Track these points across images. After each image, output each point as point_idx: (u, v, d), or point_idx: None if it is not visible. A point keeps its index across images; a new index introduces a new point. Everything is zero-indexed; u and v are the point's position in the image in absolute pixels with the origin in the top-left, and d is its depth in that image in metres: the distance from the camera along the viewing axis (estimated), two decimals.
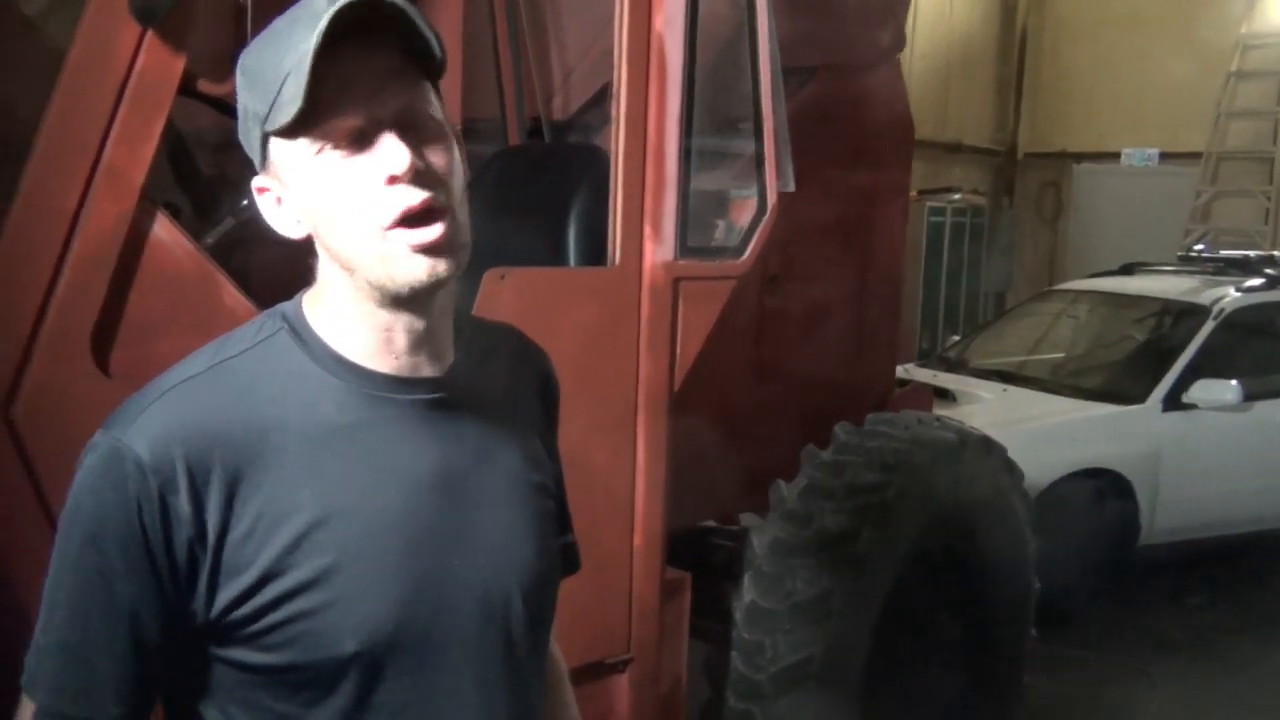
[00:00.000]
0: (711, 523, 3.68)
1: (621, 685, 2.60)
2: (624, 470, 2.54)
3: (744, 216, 2.70)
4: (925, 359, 7.31)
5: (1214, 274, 6.68)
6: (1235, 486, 5.78)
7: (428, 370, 1.15)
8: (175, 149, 2.13)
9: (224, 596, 1.06)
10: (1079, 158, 11.55)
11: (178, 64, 1.74)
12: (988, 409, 5.44)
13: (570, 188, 2.65)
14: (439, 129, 1.10)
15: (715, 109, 2.63)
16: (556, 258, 2.64)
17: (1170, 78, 10.34)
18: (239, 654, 1.09)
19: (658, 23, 2.44)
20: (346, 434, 1.11)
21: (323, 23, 1.00)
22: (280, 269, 2.13)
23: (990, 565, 3.60)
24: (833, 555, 3.08)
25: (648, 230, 2.48)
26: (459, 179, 1.11)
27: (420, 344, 1.14)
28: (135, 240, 1.76)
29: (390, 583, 1.11)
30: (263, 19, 2.22)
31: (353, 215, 1.06)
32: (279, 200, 1.12)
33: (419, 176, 1.06)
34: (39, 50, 2.06)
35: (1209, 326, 5.97)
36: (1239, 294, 6.21)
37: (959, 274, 10.66)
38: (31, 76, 1.83)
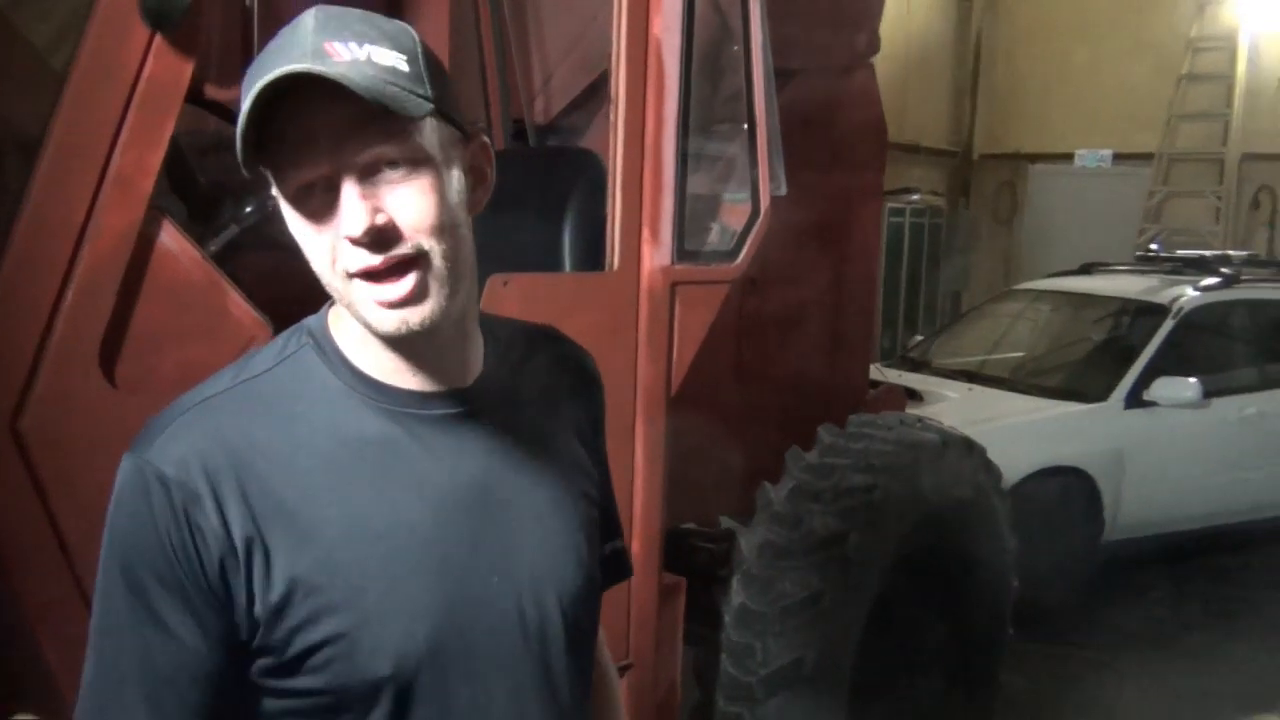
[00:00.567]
0: (691, 525, 3.68)
1: (621, 691, 2.59)
2: (622, 475, 2.53)
3: (737, 220, 2.71)
4: (887, 359, 7.38)
5: (1171, 273, 6.79)
6: (1196, 482, 5.89)
7: (454, 384, 1.14)
8: (170, 154, 2.09)
9: (258, 616, 1.05)
10: (1033, 159, 11.73)
11: (186, 69, 1.71)
12: (954, 409, 5.48)
13: (565, 192, 2.64)
14: (417, 171, 1.04)
15: (709, 113, 2.64)
16: (551, 262, 2.63)
17: (1122, 80, 10.53)
18: (274, 680, 1.07)
19: (655, 27, 2.44)
20: (374, 451, 1.09)
21: (257, 86, 0.97)
22: (284, 277, 2.10)
23: (972, 564, 3.65)
24: (822, 557, 3.09)
25: (646, 235, 2.48)
26: (447, 216, 1.06)
27: (438, 363, 1.12)
28: (143, 249, 1.73)
29: (423, 602, 1.08)
30: (269, 21, 2.20)
31: (319, 260, 1.05)
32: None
33: (380, 235, 1.02)
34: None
35: (1168, 325, 6.08)
36: (1197, 293, 6.32)
37: (918, 274, 10.78)
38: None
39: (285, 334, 1.16)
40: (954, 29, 11.94)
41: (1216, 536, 6.03)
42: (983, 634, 3.74)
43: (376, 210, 1.02)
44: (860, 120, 4.21)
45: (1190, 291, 6.32)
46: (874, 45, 4.24)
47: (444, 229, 1.05)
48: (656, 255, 2.51)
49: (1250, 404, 6.10)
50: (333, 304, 1.15)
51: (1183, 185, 10.82)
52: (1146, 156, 10.74)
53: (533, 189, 2.84)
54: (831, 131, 3.98)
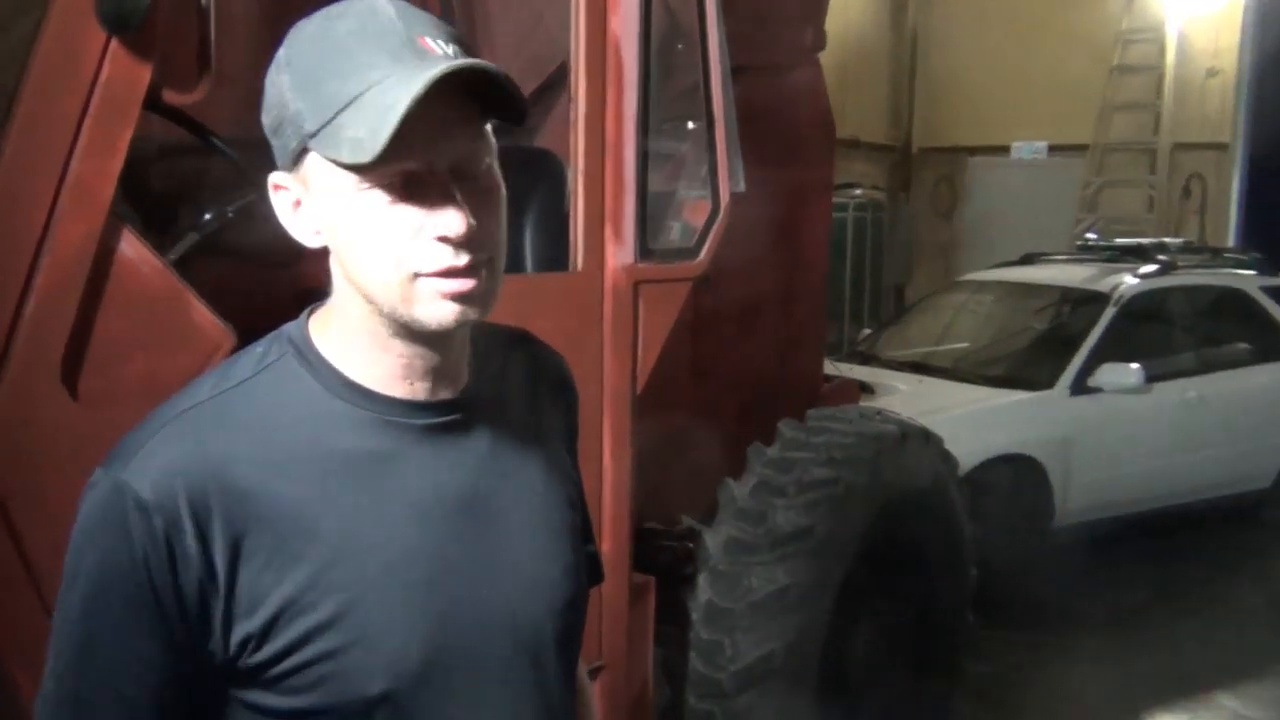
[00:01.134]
0: (654, 524, 3.68)
1: (594, 693, 2.59)
2: (590, 475, 2.52)
3: (698, 217, 2.72)
4: (835, 353, 7.43)
5: (1109, 261, 6.91)
6: (1141, 466, 6.01)
7: (444, 393, 1.11)
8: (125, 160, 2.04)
9: (243, 638, 1.01)
10: (971, 152, 11.89)
11: (144, 73, 1.67)
12: (904, 400, 5.53)
13: (525, 191, 2.62)
14: (494, 181, 1.05)
15: (668, 111, 2.64)
16: (513, 262, 2.61)
17: (1056, 73, 10.70)
18: (262, 698, 1.04)
19: (613, 25, 2.44)
20: (362, 462, 1.06)
21: (419, 86, 0.93)
22: (246, 284, 2.07)
23: (933, 553, 3.69)
24: (787, 551, 3.11)
25: (609, 234, 2.48)
26: (504, 230, 1.07)
27: (439, 370, 1.10)
28: (103, 259, 1.69)
29: (415, 617, 1.06)
30: (227, 25, 2.16)
31: (384, 256, 1.00)
32: (297, 203, 1.06)
33: (469, 238, 1.00)
34: None
35: (1110, 312, 6.19)
36: (1136, 280, 6.45)
37: (862, 268, 10.87)
38: None
39: (263, 341, 1.12)
40: (890, 24, 12.06)
41: (1163, 518, 6.15)
42: (945, 622, 3.78)
43: (469, 213, 1.00)
44: (809, 116, 4.24)
45: (1129, 279, 6.44)
46: (820, 41, 4.27)
47: (504, 240, 1.07)
48: (620, 254, 2.50)
49: (1191, 387, 6.24)
50: (313, 310, 1.12)
51: (1117, 175, 11.04)
52: (1081, 147, 10.93)
53: None
54: (782, 128, 4.00)
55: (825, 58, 4.29)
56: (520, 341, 1.29)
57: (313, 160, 1.02)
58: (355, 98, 0.96)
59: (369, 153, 0.94)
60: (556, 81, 3.08)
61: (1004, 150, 11.39)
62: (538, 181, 2.64)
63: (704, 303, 3.76)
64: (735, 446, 3.40)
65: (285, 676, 1.02)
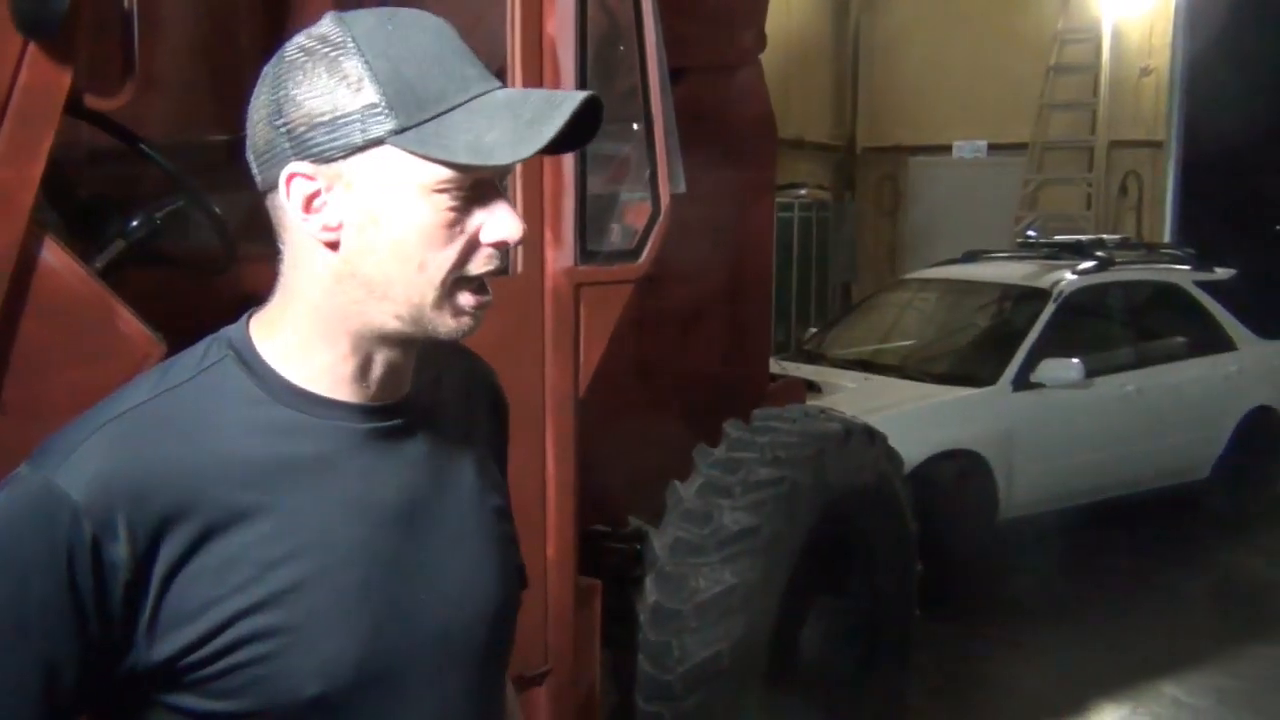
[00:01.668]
0: (601, 527, 3.67)
1: (540, 698, 2.58)
2: (534, 480, 2.51)
3: (638, 219, 2.71)
4: (782, 352, 7.47)
5: (1049, 258, 7.02)
6: (1082, 459, 6.10)
7: (388, 398, 1.11)
8: (47, 166, 1.99)
9: (173, 642, 1.00)
10: (913, 151, 12.01)
11: (64, 78, 1.63)
12: (850, 398, 5.58)
13: None
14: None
15: (608, 114, 2.63)
16: None
17: (995, 73, 10.85)
18: (191, 702, 1.02)
19: (549, 27, 2.43)
20: (302, 466, 1.06)
21: (559, 121, 0.99)
22: (176, 292, 2.03)
23: (878, 549, 3.72)
24: (734, 551, 3.12)
25: (548, 237, 2.47)
26: None
27: (392, 375, 1.11)
28: (25, 267, 1.64)
29: (353, 620, 1.06)
30: (152, 29, 2.11)
31: (441, 255, 1.03)
32: (315, 196, 1.03)
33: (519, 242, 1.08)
34: None
35: (1050, 309, 6.29)
36: (1075, 276, 6.55)
37: (808, 267, 10.95)
38: None
39: (201, 344, 1.11)
40: (833, 25, 12.15)
41: (1104, 510, 6.25)
42: (892, 616, 3.81)
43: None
44: (751, 117, 4.26)
45: (1069, 276, 6.54)
46: (761, 42, 4.29)
47: None
48: (560, 257, 2.49)
49: (1129, 381, 6.35)
50: (252, 314, 1.11)
51: (1055, 173, 11.20)
52: (1020, 146, 11.08)
53: None
54: (723, 129, 4.01)
55: (769, 59, 4.31)
56: (454, 352, 1.29)
57: (374, 155, 1.01)
58: (461, 104, 1.00)
59: (510, 156, 0.99)
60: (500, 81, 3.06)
61: (945, 150, 11.51)
62: None
63: (648, 304, 3.76)
64: (684, 448, 3.40)
65: (217, 678, 1.01)
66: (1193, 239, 8.59)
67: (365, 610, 1.06)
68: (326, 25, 1.03)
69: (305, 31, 1.05)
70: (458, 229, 1.03)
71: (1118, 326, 6.86)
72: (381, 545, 1.09)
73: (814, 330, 7.89)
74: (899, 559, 3.81)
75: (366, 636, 1.06)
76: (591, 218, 2.59)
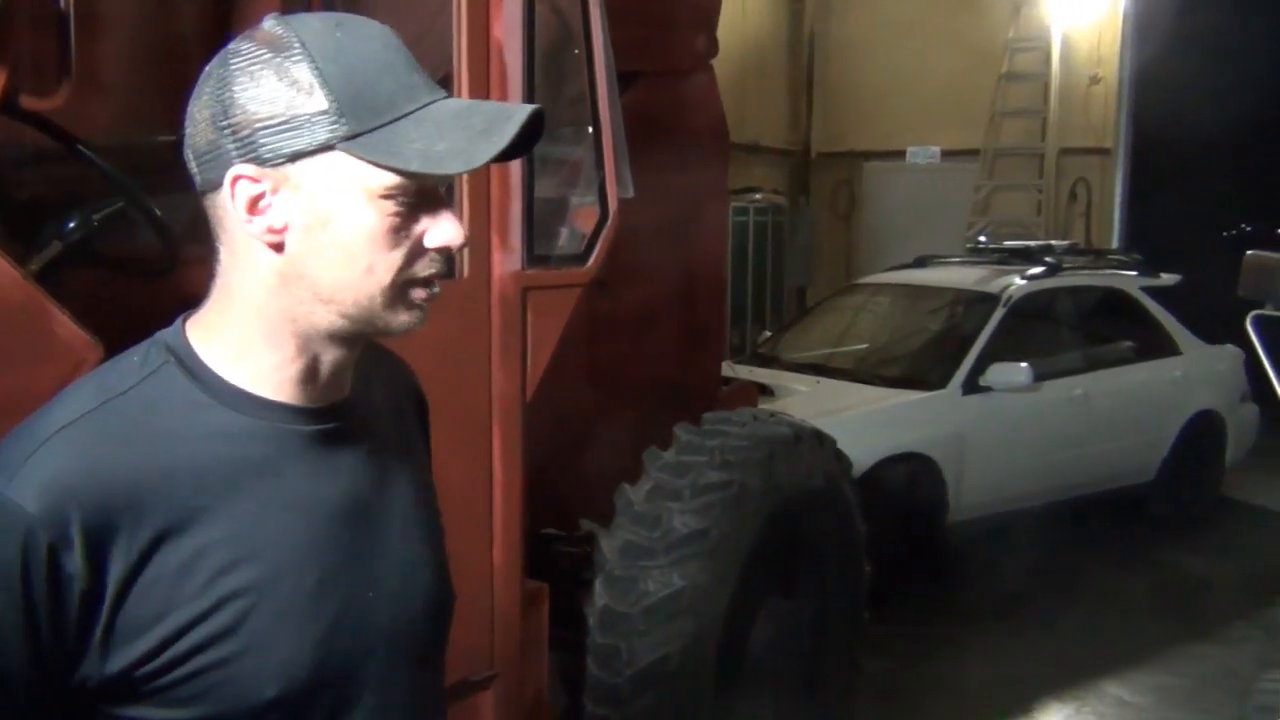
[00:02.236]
0: (552, 530, 3.67)
1: (487, 702, 2.57)
2: (480, 483, 2.51)
3: (586, 223, 2.72)
4: (737, 355, 7.50)
5: (1000, 264, 7.10)
6: (1030, 462, 6.18)
7: (330, 400, 1.13)
8: None
9: (128, 653, 0.99)
10: (867, 156, 12.12)
11: None
12: (803, 402, 5.62)
13: None
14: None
15: (553, 117, 2.63)
16: None
17: (948, 80, 10.98)
18: (143, 711, 1.02)
19: (496, 31, 2.42)
20: (251, 470, 1.06)
21: (510, 132, 1.02)
22: (114, 294, 2.00)
23: (827, 552, 3.74)
24: (683, 554, 3.12)
25: (495, 241, 2.46)
26: None
27: (337, 376, 1.12)
28: None
29: (308, 621, 1.07)
30: (90, 29, 2.09)
31: (388, 260, 1.05)
32: (260, 198, 1.03)
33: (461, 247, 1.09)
34: None
35: (999, 313, 6.36)
36: (1024, 282, 6.64)
37: (764, 271, 11.01)
38: None
39: (138, 348, 1.10)
40: (788, 31, 12.24)
41: (1052, 512, 6.33)
42: (841, 619, 3.84)
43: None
44: (703, 122, 4.27)
45: (1018, 281, 6.63)
46: (713, 48, 4.30)
47: None
48: (506, 261, 2.49)
49: (1077, 385, 6.44)
50: (187, 317, 1.11)
51: (1006, 179, 11.36)
52: (972, 153, 11.23)
53: None
54: (675, 134, 4.02)
55: (724, 65, 4.33)
56: (378, 355, 1.30)
57: (323, 160, 1.01)
58: (409, 113, 1.02)
59: (462, 165, 1.02)
60: (447, 86, 3.05)
61: (899, 155, 11.64)
62: None
63: (601, 307, 3.76)
64: (636, 451, 3.40)
65: (173, 687, 1.01)
66: (1140, 245, 8.74)
67: (319, 611, 1.08)
68: (273, 28, 1.03)
69: (248, 34, 1.05)
70: (403, 234, 1.05)
71: (1066, 331, 6.96)
72: (330, 546, 1.10)
73: (768, 334, 7.92)
74: (848, 561, 3.83)
75: (321, 637, 1.07)
76: (539, 222, 2.59)
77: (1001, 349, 6.18)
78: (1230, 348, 7.05)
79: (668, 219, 3.93)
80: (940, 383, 6.04)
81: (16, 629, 0.96)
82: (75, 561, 0.97)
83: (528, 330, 2.56)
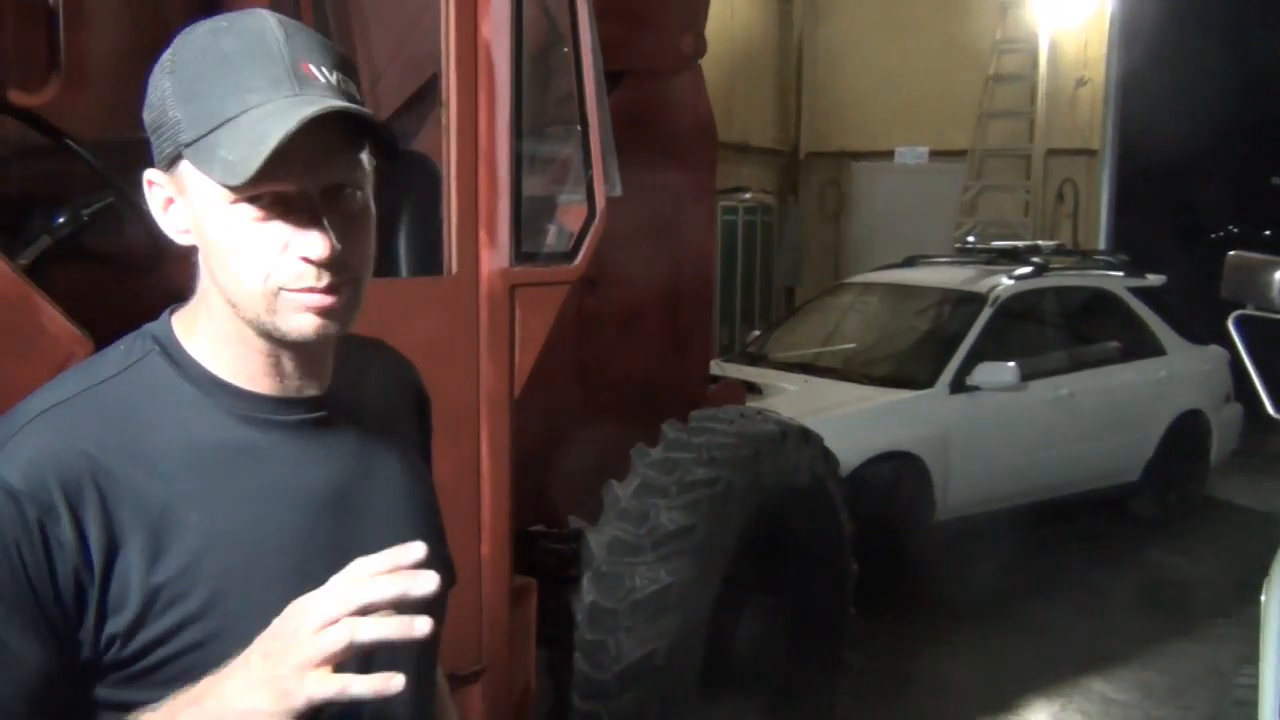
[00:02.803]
0: (540, 528, 3.69)
1: (474, 696, 2.58)
2: (468, 479, 2.52)
3: (574, 221, 2.73)
4: (726, 354, 7.52)
5: (987, 264, 7.13)
6: (1016, 461, 6.20)
7: (310, 390, 1.14)
8: None
9: (112, 628, 1.01)
10: (856, 156, 12.16)
11: None
12: (791, 400, 5.64)
13: (399, 195, 2.60)
14: (364, 205, 1.08)
15: (542, 115, 2.65)
16: (388, 266, 2.59)
17: (936, 81, 11.03)
18: (122, 694, 1.03)
19: (484, 30, 2.44)
20: (230, 456, 1.08)
21: (293, 123, 0.97)
22: (103, 289, 2.01)
23: (813, 549, 3.76)
24: (670, 550, 3.14)
25: (483, 238, 2.48)
26: (372, 252, 1.11)
27: (306, 368, 1.13)
28: None
29: (283, 606, 1.05)
30: (79, 26, 2.09)
31: (251, 267, 1.04)
32: (169, 202, 1.08)
33: (333, 262, 1.04)
34: None
35: (987, 313, 6.39)
36: (1011, 282, 6.67)
37: (753, 270, 11.04)
38: None
39: (126, 339, 1.13)
40: (777, 32, 12.26)
41: (1038, 511, 6.36)
42: (827, 616, 3.86)
43: (334, 238, 1.04)
44: (690, 121, 4.28)
45: (1005, 281, 6.65)
46: (701, 47, 4.32)
47: (371, 261, 1.11)
48: (494, 258, 2.50)
49: (1063, 385, 6.47)
50: (174, 310, 1.14)
51: (994, 180, 11.41)
52: (960, 153, 11.27)
53: None
54: (662, 133, 4.03)
55: (713, 64, 4.35)
56: (376, 349, 1.33)
57: (187, 166, 1.04)
58: (231, 118, 1.00)
59: (239, 177, 0.98)
60: (433, 85, 3.06)
61: (888, 155, 11.68)
62: (411, 185, 2.62)
63: (588, 305, 3.78)
64: (624, 448, 3.42)
65: (153, 669, 1.02)
66: (1126, 246, 8.78)
67: (296, 595, 1.06)
68: (177, 37, 1.06)
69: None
70: (266, 242, 1.03)
71: (1052, 331, 6.99)
72: (313, 532, 1.11)
73: (757, 333, 7.94)
74: (834, 558, 3.85)
75: None
76: (527, 220, 2.60)
77: (988, 349, 6.21)
78: (1215, 348, 7.09)
79: (655, 218, 3.95)
80: (927, 382, 6.06)
81: (20, 599, 0.98)
82: (64, 531, 0.99)
83: (515, 327, 2.57)
